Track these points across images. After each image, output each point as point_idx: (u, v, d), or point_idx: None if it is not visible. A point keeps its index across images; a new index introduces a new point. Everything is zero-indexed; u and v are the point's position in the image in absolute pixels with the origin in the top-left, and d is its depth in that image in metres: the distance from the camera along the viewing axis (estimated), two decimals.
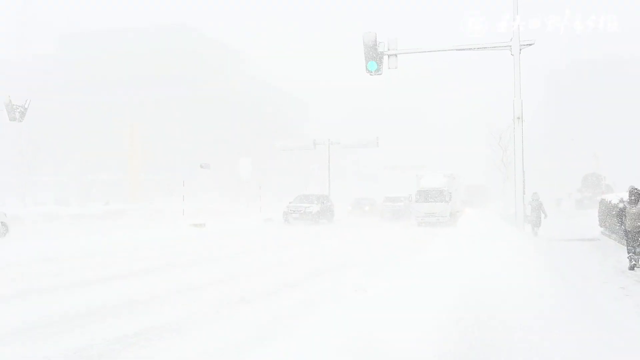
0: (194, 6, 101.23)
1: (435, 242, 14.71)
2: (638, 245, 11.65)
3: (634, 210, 11.68)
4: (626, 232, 11.95)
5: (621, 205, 12.97)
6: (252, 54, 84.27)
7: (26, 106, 25.08)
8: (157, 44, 67.63)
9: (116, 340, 6.84)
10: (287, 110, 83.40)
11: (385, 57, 14.72)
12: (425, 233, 23.76)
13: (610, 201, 18.76)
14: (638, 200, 11.71)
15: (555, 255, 13.44)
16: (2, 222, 21.68)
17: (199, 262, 14.76)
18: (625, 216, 11.88)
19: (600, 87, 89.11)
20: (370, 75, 14.79)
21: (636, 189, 11.85)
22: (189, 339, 6.99)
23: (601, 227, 19.66)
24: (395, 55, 14.73)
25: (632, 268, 11.67)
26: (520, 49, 13.92)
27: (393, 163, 77.20)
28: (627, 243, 12.05)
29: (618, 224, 13.05)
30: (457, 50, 15.08)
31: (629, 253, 11.90)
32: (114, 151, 61.22)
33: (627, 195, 12.12)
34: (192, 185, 42.38)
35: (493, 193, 54.21)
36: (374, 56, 14.54)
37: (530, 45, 13.93)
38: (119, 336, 7.04)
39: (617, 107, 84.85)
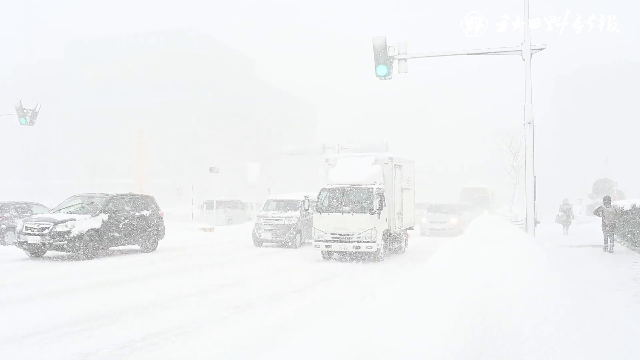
0: (203, 11, 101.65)
1: None
2: (610, 235, 16.85)
3: (609, 210, 16.99)
4: (604, 225, 17.04)
5: (597, 206, 18.68)
6: (261, 59, 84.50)
7: (37, 110, 25.22)
8: (166, 48, 67.95)
9: (123, 345, 6.81)
10: (296, 114, 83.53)
11: (395, 62, 14.63)
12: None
13: (622, 207, 18.59)
14: (610, 204, 17.30)
15: (567, 261, 13.30)
16: None
17: (205, 267, 14.73)
18: (604, 214, 16.93)
19: (610, 92, 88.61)
20: (380, 79, 14.72)
21: (609, 196, 18.02)
22: (195, 343, 6.95)
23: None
24: (405, 59, 14.63)
25: (611, 250, 16.63)
26: (531, 54, 13.80)
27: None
28: (604, 233, 17.05)
29: (599, 217, 17.48)
30: (467, 54, 15.00)
31: (605, 242, 16.99)
32: (122, 155, 61.47)
33: (602, 200, 17.80)
34: (201, 189, 42.45)
35: (498, 197, 50.77)
36: (384, 60, 14.46)
37: (541, 49, 13.81)
38: (126, 340, 7.01)
39: (628, 111, 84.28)
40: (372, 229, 15.20)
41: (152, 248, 18.27)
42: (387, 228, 16.26)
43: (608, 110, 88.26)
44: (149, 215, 18.35)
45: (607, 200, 17.65)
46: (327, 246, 15.65)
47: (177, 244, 20.40)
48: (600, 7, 20.89)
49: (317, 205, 16.03)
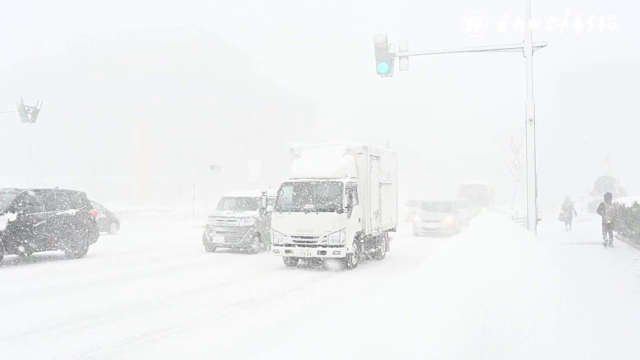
0: (204, 8, 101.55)
1: None
2: (609, 230, 17.49)
3: (610, 207, 17.51)
4: (604, 221, 17.55)
5: (599, 204, 18.95)
6: (262, 55, 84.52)
7: (38, 107, 25.22)
8: (167, 45, 67.95)
9: (124, 342, 6.81)
10: (298, 111, 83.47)
11: (397, 59, 14.59)
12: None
13: (623, 204, 18.59)
14: (610, 201, 17.81)
15: (568, 258, 13.31)
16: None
17: (206, 265, 14.71)
18: (604, 211, 17.48)
19: (612, 90, 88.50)
20: (381, 77, 14.68)
21: (610, 193, 18.66)
22: (196, 341, 6.95)
23: (614, 230, 19.48)
24: (407, 57, 14.59)
25: (610, 245, 17.29)
26: (533, 51, 13.77)
27: (403, 165, 76.93)
28: (603, 229, 17.62)
29: (601, 215, 17.80)
30: (469, 52, 14.96)
31: (604, 237, 17.56)
32: (124, 152, 61.53)
33: (604, 197, 18.48)
34: (202, 186, 42.46)
35: (498, 195, 49.90)
36: (385, 58, 14.43)
37: (542, 47, 13.77)
38: (127, 337, 7.02)
39: (629, 109, 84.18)
40: (340, 230, 12.88)
41: (80, 254, 15.53)
42: (360, 230, 13.91)
43: (609, 108, 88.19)
44: (76, 214, 15.52)
45: (608, 197, 18.11)
46: (287, 251, 13.36)
47: (117, 249, 18.19)
48: (600, 7, 20.88)
49: (276, 203, 13.68)
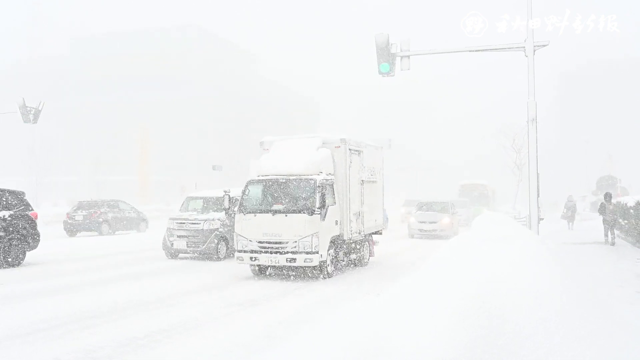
0: (205, 8, 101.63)
1: None
2: (611, 228, 17.83)
3: (610, 207, 17.91)
4: (605, 220, 17.90)
5: (600, 202, 19.36)
6: (263, 55, 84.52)
7: (40, 108, 25.28)
8: (169, 45, 68.08)
9: (127, 342, 6.83)
10: (299, 110, 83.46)
11: (398, 59, 14.58)
12: None
13: (625, 204, 18.58)
14: (610, 200, 18.17)
15: (570, 258, 13.30)
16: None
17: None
18: (605, 210, 17.84)
19: (613, 88, 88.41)
20: (383, 77, 14.68)
21: (610, 192, 19.09)
22: (197, 340, 6.96)
23: (616, 230, 19.47)
24: (408, 56, 14.59)
25: (612, 243, 17.65)
26: (535, 50, 13.75)
27: (404, 164, 76.94)
28: (605, 227, 17.96)
29: (602, 215, 18.13)
30: (470, 51, 14.96)
31: (606, 236, 17.99)
32: (126, 152, 61.61)
33: (604, 196, 19.00)
34: (205, 186, 42.50)
35: (498, 195, 48.93)
36: (387, 58, 14.42)
37: (544, 46, 13.75)
38: (129, 337, 7.03)
39: (631, 108, 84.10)
40: (312, 235, 11.32)
41: (15, 262, 13.59)
42: (337, 233, 12.32)
43: (611, 107, 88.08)
44: (10, 217, 13.64)
45: (608, 196, 18.54)
46: (252, 259, 11.75)
47: (71, 255, 16.66)
48: (600, 7, 20.86)
49: (240, 203, 12.09)
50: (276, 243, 11.53)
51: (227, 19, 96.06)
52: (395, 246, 19.35)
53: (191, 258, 15.79)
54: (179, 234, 15.50)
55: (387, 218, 29.23)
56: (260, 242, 11.66)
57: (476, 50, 14.93)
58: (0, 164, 61.66)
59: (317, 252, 11.36)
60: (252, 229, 11.77)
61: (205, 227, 15.35)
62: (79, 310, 8.61)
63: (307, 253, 11.34)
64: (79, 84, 70.23)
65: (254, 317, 8.33)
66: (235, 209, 12.48)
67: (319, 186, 11.52)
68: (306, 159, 12.02)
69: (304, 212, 11.36)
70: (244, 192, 12.19)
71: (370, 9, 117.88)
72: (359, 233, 13.41)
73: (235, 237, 12.14)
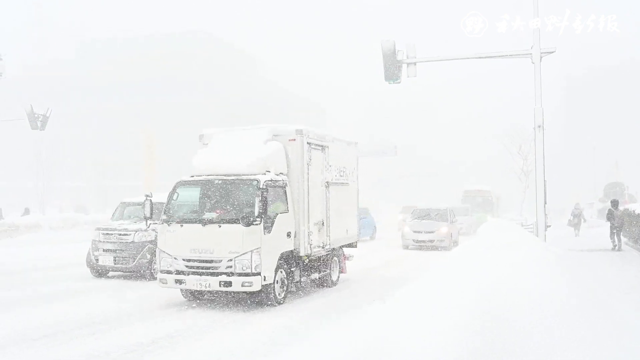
0: (210, 12, 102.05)
1: None
2: (617, 234, 18.03)
3: (618, 213, 18.25)
4: (613, 226, 18.09)
5: (607, 210, 19.23)
6: (267, 58, 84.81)
7: (47, 115, 25.41)
8: (174, 49, 68.43)
9: (132, 348, 6.84)
10: (303, 113, 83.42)
11: (404, 66, 14.60)
12: None
13: (634, 211, 18.50)
14: (617, 207, 18.61)
15: (577, 265, 13.23)
16: None
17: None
18: (614, 216, 18.09)
19: (620, 94, 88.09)
20: (389, 84, 14.69)
21: (616, 200, 19.47)
22: (202, 346, 6.96)
23: (624, 237, 19.38)
24: (415, 63, 14.61)
25: (619, 248, 17.86)
26: (541, 57, 13.75)
27: (409, 170, 76.82)
28: (614, 233, 18.06)
29: (610, 222, 18.31)
30: (477, 58, 14.97)
31: (613, 242, 18.08)
32: (131, 156, 61.77)
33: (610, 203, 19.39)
34: None
35: (503, 201, 47.70)
36: (393, 64, 14.42)
37: (551, 53, 13.74)
38: (135, 343, 7.04)
39: (637, 113, 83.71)
40: (252, 251, 8.97)
41: None
42: (290, 248, 9.98)
43: (618, 113, 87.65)
44: None
45: (615, 203, 19.00)
46: (178, 281, 9.30)
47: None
48: (600, 7, 20.78)
49: (164, 211, 9.73)
50: (207, 262, 9.13)
51: (232, 23, 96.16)
52: (382, 258, 17.36)
53: (123, 277, 13.16)
54: (105, 248, 12.87)
55: (374, 227, 27.02)
56: (187, 260, 9.24)
57: (484, 57, 14.96)
58: (7, 169, 62.04)
59: (259, 274, 8.93)
60: (177, 243, 9.36)
61: (137, 239, 12.63)
62: None
63: (246, 275, 8.91)
64: (85, 88, 70.56)
65: None
66: (157, 218, 10.20)
67: (261, 189, 9.05)
68: (250, 155, 9.70)
69: (240, 223, 8.94)
70: (170, 197, 9.81)
71: (371, 9, 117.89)
72: (323, 247, 11.07)
73: (157, 254, 9.74)
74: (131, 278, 12.95)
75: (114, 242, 12.81)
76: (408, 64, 14.58)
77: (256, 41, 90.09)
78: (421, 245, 20.96)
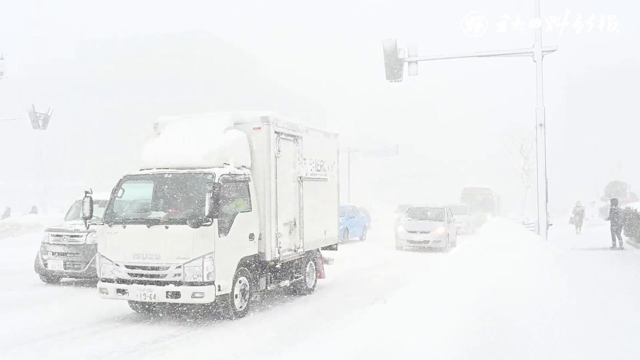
0: (210, 12, 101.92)
1: None
2: (618, 233, 18.07)
3: (620, 212, 18.61)
4: (616, 224, 18.07)
5: (609, 209, 19.09)
6: (268, 58, 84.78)
7: (49, 114, 25.42)
8: (173, 49, 68.48)
9: (135, 347, 6.84)
10: (304, 110, 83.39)
11: (406, 64, 14.58)
12: None
13: (636, 210, 18.47)
14: (617, 205, 18.81)
15: (577, 265, 13.22)
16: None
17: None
18: (617, 214, 18.18)
19: (621, 93, 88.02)
20: (391, 82, 14.69)
21: (616, 198, 20.01)
22: (206, 346, 6.96)
23: (626, 236, 19.35)
24: (416, 62, 14.59)
25: (621, 247, 17.83)
26: (543, 56, 13.71)
27: (410, 170, 76.77)
28: (616, 231, 18.04)
29: (612, 220, 18.22)
30: (478, 56, 14.95)
31: (614, 241, 18.01)
32: (131, 156, 61.74)
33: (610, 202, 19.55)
34: None
35: (504, 200, 46.76)
36: (394, 63, 14.41)
37: (553, 51, 13.69)
38: (138, 343, 7.04)
39: (638, 113, 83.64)
40: (204, 256, 7.81)
41: None
42: (254, 252, 8.83)
43: (619, 111, 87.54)
44: None
45: (615, 202, 19.33)
46: (120, 291, 8.14)
47: None
48: (600, 7, 20.73)
49: (106, 209, 8.61)
50: (152, 269, 7.97)
51: (232, 23, 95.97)
52: (370, 261, 16.17)
53: (75, 283, 11.94)
54: (54, 251, 11.61)
55: (364, 227, 25.34)
56: (130, 267, 8.08)
57: (485, 56, 14.94)
58: (7, 169, 62.11)
59: (212, 283, 7.78)
60: (119, 247, 8.19)
61: (89, 241, 11.27)
62: None
63: (197, 284, 7.76)
64: (85, 88, 70.61)
65: None
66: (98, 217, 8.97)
67: (216, 184, 7.82)
68: (206, 145, 8.53)
69: (188, 223, 7.84)
70: (114, 194, 8.66)
71: (371, 9, 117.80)
72: (295, 250, 9.89)
73: (97, 259, 8.56)
74: (83, 284, 11.70)
75: (63, 245, 11.61)
76: (409, 62, 14.56)
77: (256, 41, 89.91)
78: (416, 246, 19.88)
